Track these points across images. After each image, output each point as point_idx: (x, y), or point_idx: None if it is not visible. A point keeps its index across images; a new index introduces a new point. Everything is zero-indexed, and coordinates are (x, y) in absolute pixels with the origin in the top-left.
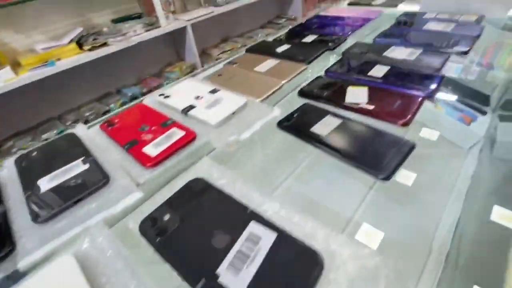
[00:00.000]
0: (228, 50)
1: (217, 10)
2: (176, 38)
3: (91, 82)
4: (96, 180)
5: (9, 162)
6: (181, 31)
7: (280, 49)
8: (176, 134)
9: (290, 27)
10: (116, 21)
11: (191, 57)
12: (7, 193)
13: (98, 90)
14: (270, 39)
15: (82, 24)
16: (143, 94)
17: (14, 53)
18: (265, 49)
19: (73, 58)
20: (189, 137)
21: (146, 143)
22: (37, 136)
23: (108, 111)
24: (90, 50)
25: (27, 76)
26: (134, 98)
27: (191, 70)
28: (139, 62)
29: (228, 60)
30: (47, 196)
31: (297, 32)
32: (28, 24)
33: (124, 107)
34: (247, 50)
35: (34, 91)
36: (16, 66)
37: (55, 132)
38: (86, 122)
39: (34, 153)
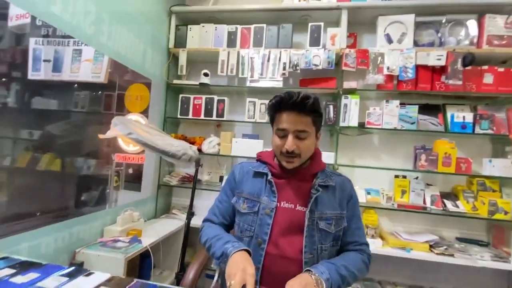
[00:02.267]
0: None
1: None
2: None
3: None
4: None
5: None
6: None
7: None
8: None
9: None
10: (460, 239)
11: None
12: None
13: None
14: None
15: (434, 232)
16: None
17: (382, 231)
18: None
19: (424, 253)
20: None
21: None
22: None
23: None
24: (437, 253)
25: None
26: None
27: None
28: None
29: None
30: None
31: None
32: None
33: None
34: None
35: None
36: (383, 239)
37: None
38: None
39: None
